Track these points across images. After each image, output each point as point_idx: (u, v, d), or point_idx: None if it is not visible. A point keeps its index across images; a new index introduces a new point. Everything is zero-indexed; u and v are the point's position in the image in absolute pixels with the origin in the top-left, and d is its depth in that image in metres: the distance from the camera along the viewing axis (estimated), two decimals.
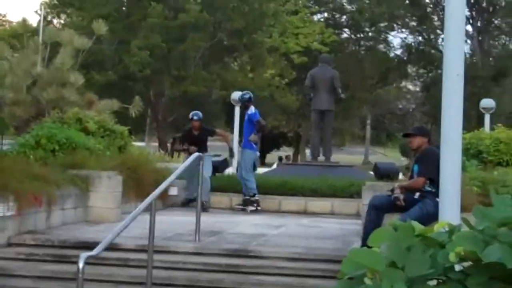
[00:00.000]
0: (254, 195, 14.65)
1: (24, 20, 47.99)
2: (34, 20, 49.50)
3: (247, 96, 16.02)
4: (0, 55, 31.45)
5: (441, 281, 3.43)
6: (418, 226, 3.61)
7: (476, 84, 44.24)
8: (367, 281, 3.48)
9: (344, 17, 56.78)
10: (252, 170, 15.05)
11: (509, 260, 3.24)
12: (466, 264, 3.44)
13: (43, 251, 9.08)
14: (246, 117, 15.53)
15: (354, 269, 3.53)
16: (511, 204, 3.51)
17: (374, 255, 3.51)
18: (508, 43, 56.79)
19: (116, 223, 8.36)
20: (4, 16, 65.91)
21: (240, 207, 14.71)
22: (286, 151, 61.06)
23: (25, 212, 9.58)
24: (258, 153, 15.93)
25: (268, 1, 45.61)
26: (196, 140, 15.00)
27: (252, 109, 15.17)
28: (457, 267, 3.45)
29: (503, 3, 53.42)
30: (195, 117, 15.48)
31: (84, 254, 6.56)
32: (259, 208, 14.50)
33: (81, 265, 6.41)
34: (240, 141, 16.20)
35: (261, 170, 23.75)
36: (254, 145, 15.07)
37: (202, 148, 14.36)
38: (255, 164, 15.52)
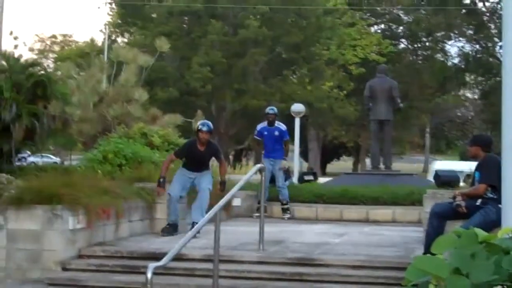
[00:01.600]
0: (287, 203, 14.79)
1: (92, 40, 48.50)
2: (99, 39, 50.20)
3: (275, 110, 15.55)
4: (68, 74, 31.90)
5: (505, 287, 3.39)
6: (481, 233, 3.58)
7: None
8: (432, 287, 3.46)
9: (401, 27, 56.44)
10: (285, 180, 15.09)
11: None
12: None
13: (112, 262, 9.15)
14: (276, 132, 14.95)
15: (418, 276, 3.51)
16: None
17: (438, 262, 3.49)
18: None
19: (182, 234, 8.37)
20: (71, 36, 67.06)
21: (284, 213, 14.76)
22: (346, 161, 60.82)
23: (95, 224, 9.66)
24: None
25: (325, 14, 45.57)
26: (199, 159, 11.74)
27: (283, 127, 15.11)
28: None
29: None
30: (204, 128, 11.58)
31: (152, 265, 6.60)
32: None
33: (149, 275, 6.45)
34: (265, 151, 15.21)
35: (322, 179, 23.74)
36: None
37: (203, 168, 11.76)
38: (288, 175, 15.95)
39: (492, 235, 3.57)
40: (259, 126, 15.38)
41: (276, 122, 15.06)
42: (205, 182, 11.42)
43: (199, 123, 11.86)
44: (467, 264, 3.42)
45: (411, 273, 3.55)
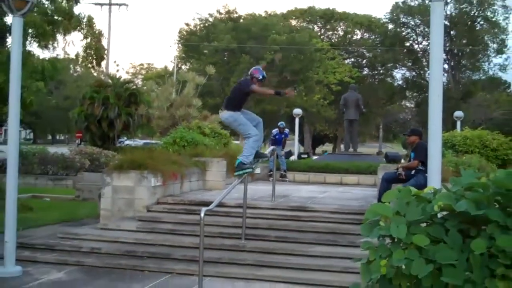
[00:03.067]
0: (285, 172, 15.45)
1: (165, 67, 48.36)
2: (170, 66, 50.26)
3: (284, 124, 16.69)
4: (150, 89, 31.96)
5: (428, 223, 3.40)
6: (414, 190, 3.59)
7: (450, 102, 43.91)
8: (381, 223, 3.47)
9: (364, 60, 56.30)
10: (284, 157, 16.51)
11: (472, 210, 3.20)
12: (444, 213, 3.41)
13: (178, 207, 9.21)
14: (283, 136, 16.30)
15: (373, 216, 3.52)
16: (473, 176, 3.47)
17: (386, 207, 3.50)
18: (471, 75, 55.76)
19: (223, 190, 8.44)
20: (152, 64, 67.24)
21: (282, 178, 15.04)
22: (328, 146, 60.47)
23: (167, 183, 9.71)
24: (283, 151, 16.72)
25: (315, 51, 45.64)
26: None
27: (287, 131, 16.85)
28: (439, 215, 3.42)
29: (468, 50, 52.75)
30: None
31: (204, 208, 6.65)
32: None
33: (202, 215, 6.52)
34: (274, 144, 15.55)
35: (314, 157, 23.69)
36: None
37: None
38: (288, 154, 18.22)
39: (420, 191, 3.59)
40: (274, 131, 16.43)
41: (285, 129, 16.63)
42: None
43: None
44: (404, 208, 3.43)
45: (368, 214, 3.56)
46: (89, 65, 25.53)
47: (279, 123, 16.74)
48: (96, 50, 22.65)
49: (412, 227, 3.33)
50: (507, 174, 3.31)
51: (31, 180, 17.12)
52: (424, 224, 3.45)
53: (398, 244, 3.30)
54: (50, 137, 62.04)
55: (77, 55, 24.51)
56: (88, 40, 22.55)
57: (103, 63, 31.87)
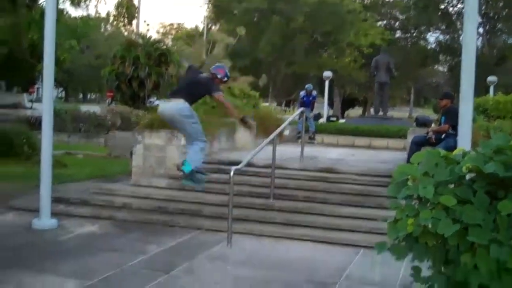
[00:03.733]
0: (313, 134, 16.13)
1: (196, 27, 48.27)
2: (200, 27, 50.17)
3: (311, 87, 17.11)
4: (180, 49, 31.90)
5: (456, 184, 3.44)
6: (442, 151, 3.62)
7: (484, 67, 43.20)
8: (409, 183, 3.53)
9: (397, 23, 55.32)
10: (313, 119, 17.12)
11: (500, 171, 3.23)
12: (473, 174, 3.44)
13: (208, 166, 9.22)
14: (311, 98, 16.91)
15: (401, 177, 3.58)
16: (503, 139, 3.48)
17: (414, 167, 3.55)
18: (506, 39, 54.47)
19: (252, 150, 8.51)
20: (183, 24, 67.10)
21: (310, 140, 15.50)
22: (357, 110, 60.00)
23: None
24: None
25: (347, 13, 44.94)
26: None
27: (314, 93, 17.28)
28: (467, 177, 3.45)
29: (504, 13, 51.59)
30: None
31: (233, 167, 6.74)
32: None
33: (232, 174, 6.63)
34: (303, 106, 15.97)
35: (342, 120, 23.61)
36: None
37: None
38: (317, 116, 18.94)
39: (449, 153, 3.62)
40: (302, 94, 17.06)
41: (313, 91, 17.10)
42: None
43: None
44: (432, 169, 3.47)
45: (396, 174, 3.62)
46: (120, 24, 25.59)
47: (306, 86, 17.06)
48: (128, 9, 22.70)
49: (440, 188, 3.38)
50: None
51: (64, 137, 17.51)
52: (452, 186, 3.50)
53: (425, 204, 3.36)
54: (81, 95, 62.85)
55: (108, 14, 24.58)
56: None
57: (134, 22, 31.93)
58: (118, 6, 22.88)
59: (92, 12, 48.27)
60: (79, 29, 15.96)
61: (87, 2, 17.98)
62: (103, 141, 16.87)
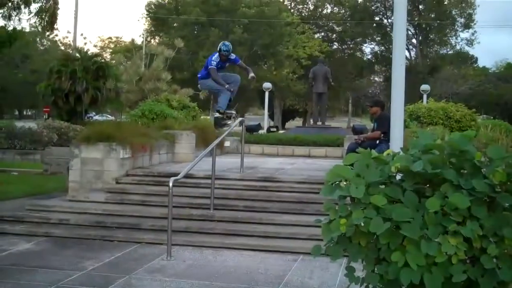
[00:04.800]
0: (224, 112, 11.05)
1: (133, 40, 47.88)
2: (138, 40, 49.66)
3: (228, 47, 10.71)
4: (118, 62, 31.54)
5: (387, 184, 3.52)
6: (374, 153, 3.71)
7: (418, 76, 44.61)
8: (342, 185, 3.59)
9: (334, 35, 56.45)
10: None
11: (428, 168, 3.33)
12: (401, 174, 3.54)
13: (147, 178, 9.22)
14: (226, 64, 11.05)
15: (334, 178, 3.63)
16: (429, 138, 3.60)
17: (346, 169, 3.61)
18: (438, 50, 56.50)
19: (192, 162, 8.46)
20: (121, 38, 66.16)
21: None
22: (298, 120, 60.75)
23: (137, 155, 9.70)
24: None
25: (285, 26, 45.62)
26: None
27: (233, 56, 10.98)
28: (397, 177, 3.55)
29: (436, 24, 53.45)
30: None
31: (172, 178, 6.69)
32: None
33: (171, 184, 6.57)
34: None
35: (282, 131, 23.83)
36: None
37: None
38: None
39: (380, 155, 3.70)
40: (212, 59, 10.63)
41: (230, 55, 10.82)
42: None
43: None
44: (364, 170, 3.54)
45: (329, 176, 3.67)
46: (40, 29, 24.73)
47: (220, 45, 10.73)
48: (49, 11, 21.85)
49: (371, 188, 3.45)
50: (461, 136, 3.45)
51: None
52: (383, 186, 3.59)
53: (357, 204, 3.43)
54: (17, 112, 60.98)
55: (28, 20, 23.66)
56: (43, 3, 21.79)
57: (71, 36, 31.24)
58: (40, 11, 21.99)
59: (26, 26, 46.88)
60: (3, 40, 15.41)
61: (19, 16, 17.48)
62: (39, 157, 16.38)
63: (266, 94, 24.66)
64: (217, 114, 11.17)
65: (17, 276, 5.63)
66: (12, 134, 17.63)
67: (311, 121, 23.21)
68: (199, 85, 11.57)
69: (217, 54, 10.61)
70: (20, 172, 14.09)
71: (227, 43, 10.85)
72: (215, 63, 10.58)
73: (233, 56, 10.94)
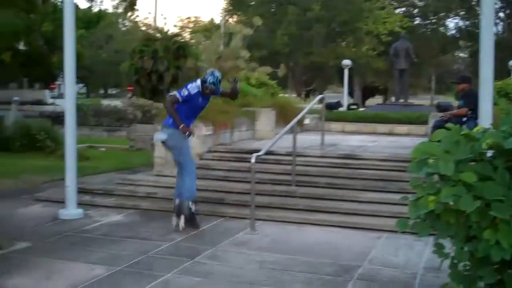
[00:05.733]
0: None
1: (213, 20, 48.52)
2: (217, 19, 50.37)
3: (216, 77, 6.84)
4: (198, 42, 32.04)
5: (477, 161, 3.46)
6: (463, 129, 3.64)
7: (505, 52, 42.87)
8: (429, 162, 3.55)
9: (416, 9, 54.87)
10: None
11: None
12: (493, 151, 3.46)
13: (229, 155, 9.40)
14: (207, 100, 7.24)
15: (421, 155, 3.60)
16: None
17: (434, 145, 3.58)
18: None
19: (272, 139, 8.54)
20: (200, 17, 67.40)
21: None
22: (378, 98, 59.67)
23: (218, 132, 9.90)
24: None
25: (365, 1, 44.84)
26: None
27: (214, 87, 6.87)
28: (488, 154, 3.48)
29: None
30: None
31: (254, 154, 6.84)
32: None
33: (253, 160, 6.71)
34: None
35: (362, 109, 23.55)
36: None
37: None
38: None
39: (470, 131, 3.63)
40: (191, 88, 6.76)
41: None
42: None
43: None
44: (452, 147, 3.49)
45: (416, 152, 3.64)
46: (122, 10, 25.40)
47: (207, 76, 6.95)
48: None
49: (461, 165, 3.40)
50: None
51: (86, 131, 17.75)
52: (472, 163, 3.53)
53: (446, 181, 3.39)
54: (102, 91, 63.41)
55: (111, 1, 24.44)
56: None
57: (151, 16, 32.09)
58: None
59: (109, 7, 48.51)
60: (91, 20, 16.11)
61: None
62: (124, 134, 17.06)
63: (346, 71, 24.38)
64: None
65: (109, 245, 5.97)
66: (99, 112, 18.43)
67: (392, 98, 22.76)
68: (155, 138, 7.98)
69: (199, 83, 6.72)
70: (108, 148, 14.77)
71: (217, 73, 6.82)
72: (187, 93, 6.63)
73: (220, 88, 7.09)
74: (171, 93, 6.85)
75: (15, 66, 23.14)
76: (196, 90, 6.69)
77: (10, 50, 18.24)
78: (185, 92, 6.63)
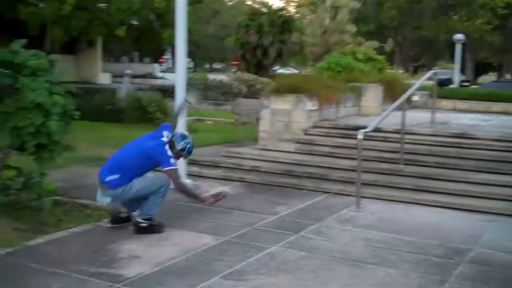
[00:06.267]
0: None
1: None
2: None
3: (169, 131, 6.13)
4: (303, 16, 31.90)
5: None
6: None
7: None
8: None
9: None
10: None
11: None
12: None
13: (334, 131, 9.31)
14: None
15: None
16: None
17: None
18: None
19: (379, 116, 8.36)
20: None
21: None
22: (491, 76, 56.65)
23: (323, 107, 9.79)
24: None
25: None
26: None
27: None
28: None
29: None
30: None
31: (361, 131, 6.74)
32: None
33: (360, 137, 6.63)
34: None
35: (474, 86, 22.50)
36: None
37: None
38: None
39: None
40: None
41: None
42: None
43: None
44: None
45: None
46: None
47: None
48: None
49: None
50: None
51: (194, 104, 18.30)
52: None
53: None
54: (208, 65, 64.98)
55: None
56: None
57: None
58: None
59: None
60: None
61: None
62: (229, 108, 17.42)
63: (458, 46, 23.26)
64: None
65: (216, 215, 6.16)
66: (205, 86, 18.93)
67: (508, 75, 21.53)
68: (98, 201, 5.87)
69: (167, 145, 5.74)
70: (214, 121, 15.16)
71: (191, 145, 6.06)
72: (173, 161, 5.74)
73: None
74: (171, 167, 5.71)
75: (129, 41, 24.23)
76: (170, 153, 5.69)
77: (125, 25, 19.07)
78: (172, 161, 5.67)
